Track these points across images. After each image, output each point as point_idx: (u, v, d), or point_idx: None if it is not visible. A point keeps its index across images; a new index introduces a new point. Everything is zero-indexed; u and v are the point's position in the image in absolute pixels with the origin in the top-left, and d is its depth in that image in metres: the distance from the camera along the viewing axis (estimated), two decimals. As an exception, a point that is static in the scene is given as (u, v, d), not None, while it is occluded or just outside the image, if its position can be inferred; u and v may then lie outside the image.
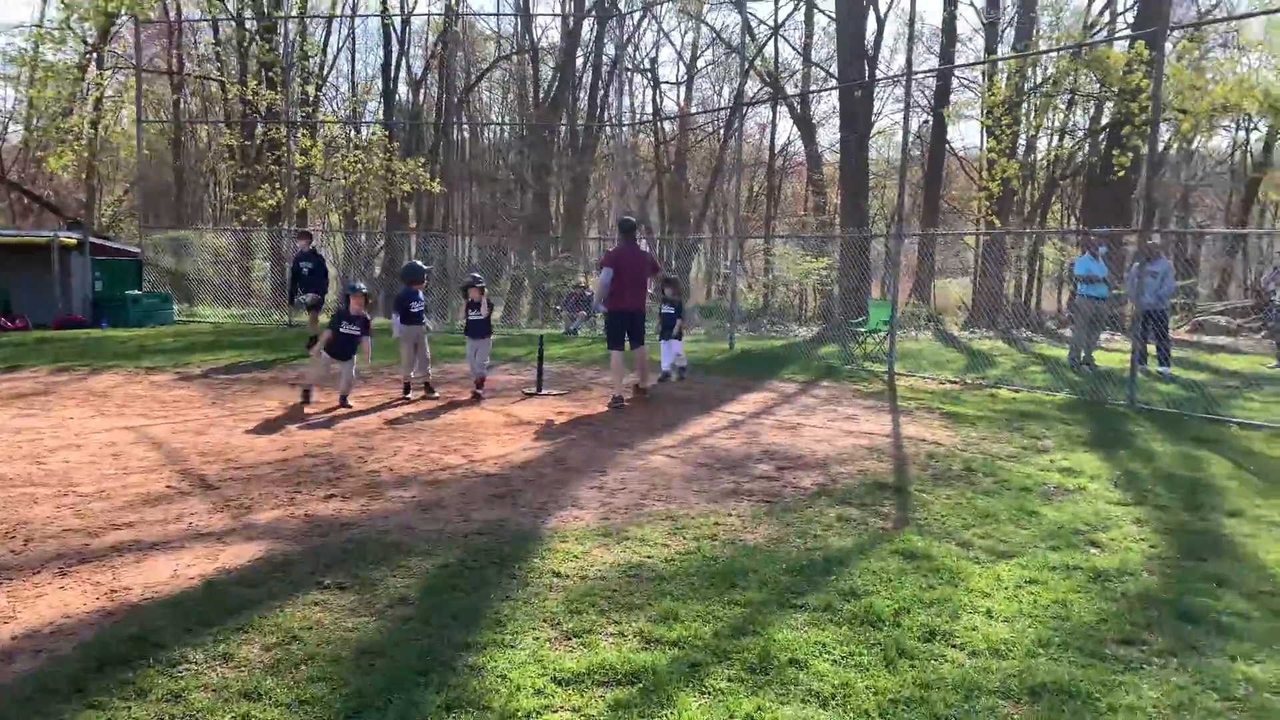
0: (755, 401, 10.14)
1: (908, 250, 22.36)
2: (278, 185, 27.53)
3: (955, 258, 35.07)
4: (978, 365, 13.51)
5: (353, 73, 41.10)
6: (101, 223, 33.43)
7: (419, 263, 10.97)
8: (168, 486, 6.01)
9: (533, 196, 35.22)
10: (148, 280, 20.78)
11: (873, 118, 31.13)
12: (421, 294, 10.23)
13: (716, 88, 41.66)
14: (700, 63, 40.12)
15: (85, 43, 28.75)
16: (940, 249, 30.60)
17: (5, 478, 6.11)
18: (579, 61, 33.78)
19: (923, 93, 31.65)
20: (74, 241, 18.72)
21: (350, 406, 9.14)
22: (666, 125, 35.86)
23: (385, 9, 34.39)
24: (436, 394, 10.00)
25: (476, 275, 10.54)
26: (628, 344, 9.88)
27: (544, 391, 10.48)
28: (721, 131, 38.12)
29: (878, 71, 30.98)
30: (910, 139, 22.95)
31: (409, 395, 9.86)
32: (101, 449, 7.07)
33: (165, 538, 4.90)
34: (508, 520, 5.32)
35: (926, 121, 33.17)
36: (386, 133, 34.45)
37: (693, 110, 37.98)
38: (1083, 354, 13.56)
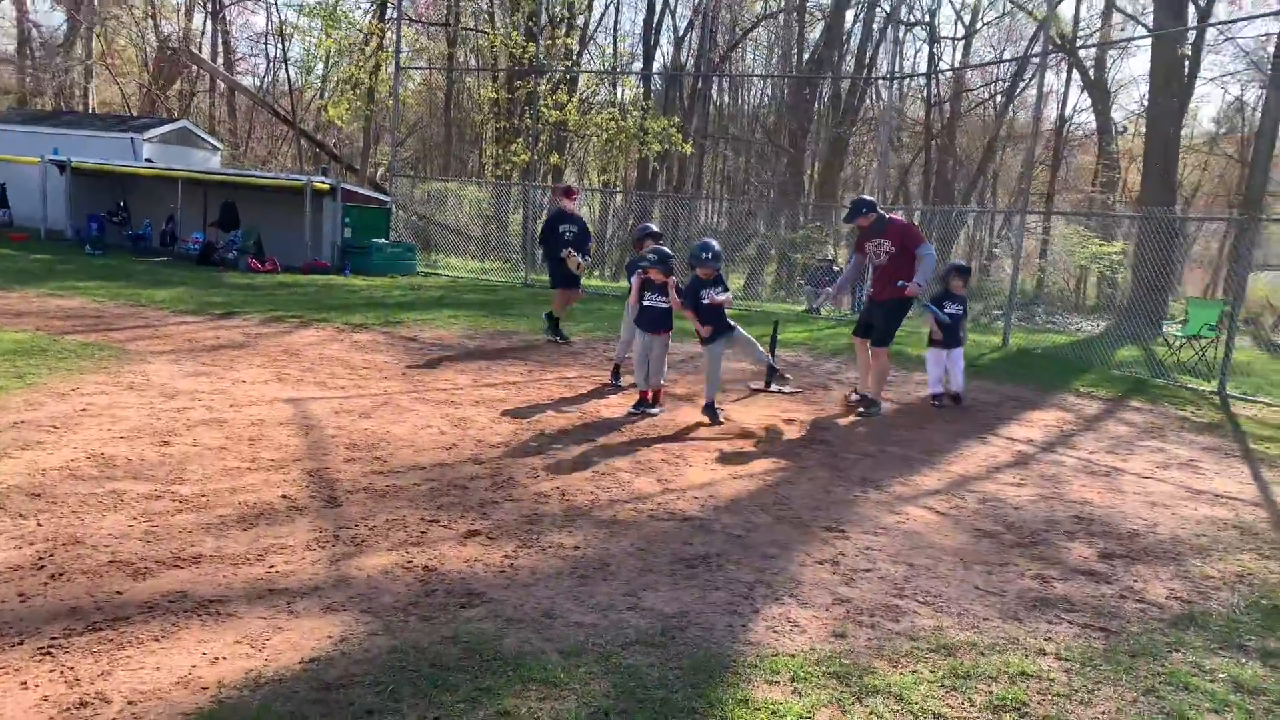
0: (1045, 425, 7.85)
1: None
2: (534, 139, 27.15)
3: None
4: (1344, 393, 10.33)
5: (615, 27, 40.32)
6: (373, 173, 34.77)
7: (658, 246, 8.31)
8: (282, 495, 4.78)
9: (787, 162, 33.10)
10: (394, 230, 20.77)
11: (1195, 80, 26.52)
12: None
13: (998, 50, 37.50)
14: (980, 23, 36.13)
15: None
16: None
17: (110, 461, 5.11)
18: (849, 17, 31.14)
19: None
20: (326, 187, 18.78)
21: (649, 408, 7.39)
22: (940, 81, 32.42)
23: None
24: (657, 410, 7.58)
25: (659, 249, 7.71)
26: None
27: (773, 388, 8.68)
28: (999, 99, 34.23)
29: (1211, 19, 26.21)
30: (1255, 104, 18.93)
31: (619, 382, 8.35)
32: (246, 428, 6.02)
33: (223, 593, 3.59)
34: (690, 618, 3.61)
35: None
36: (642, 89, 33.54)
37: (973, 63, 34.17)
38: None
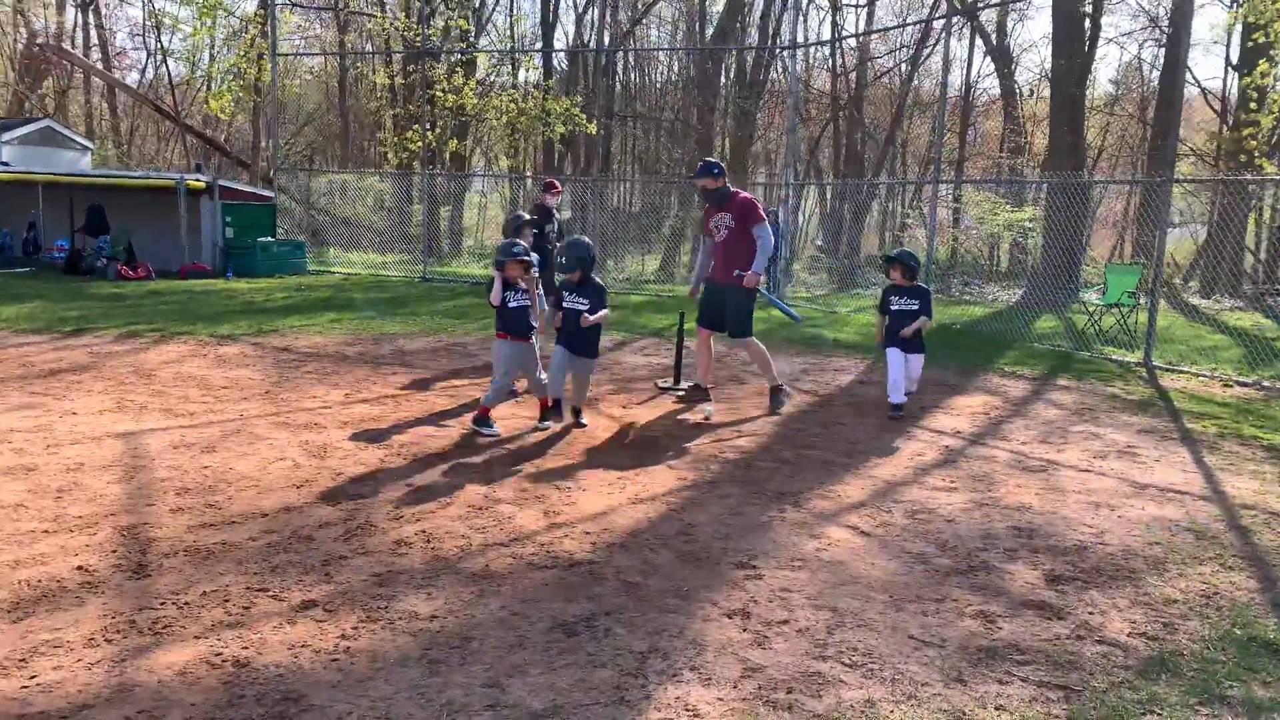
0: (972, 412, 7.32)
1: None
2: (430, 125, 25.98)
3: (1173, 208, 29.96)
4: (1261, 354, 10.08)
5: (512, 7, 39.03)
6: (265, 167, 33.02)
7: (523, 214, 8.17)
8: (78, 567, 3.90)
9: (696, 139, 32.43)
10: (282, 227, 19.53)
11: (1096, 42, 26.60)
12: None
13: (901, 17, 37.34)
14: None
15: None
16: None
17: None
18: (750, -14, 30.51)
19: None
20: (202, 184, 17.47)
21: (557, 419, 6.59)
22: (846, 50, 32.09)
23: (544, -64, 32.16)
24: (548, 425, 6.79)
25: (517, 242, 6.50)
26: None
27: (682, 386, 8.00)
28: (904, 66, 34.08)
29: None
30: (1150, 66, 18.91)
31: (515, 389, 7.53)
32: (57, 475, 5.09)
33: (-54, 730, 2.75)
34: (564, 714, 2.88)
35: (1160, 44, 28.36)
36: (542, 69, 32.51)
37: (877, 28, 33.90)
38: None
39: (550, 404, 6.57)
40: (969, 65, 29.88)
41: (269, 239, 18.20)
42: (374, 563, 4.05)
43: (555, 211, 9.81)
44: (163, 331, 9.92)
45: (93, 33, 37.82)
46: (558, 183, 10.10)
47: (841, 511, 4.85)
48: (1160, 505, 5.03)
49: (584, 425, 6.55)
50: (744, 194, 7.37)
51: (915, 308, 7.07)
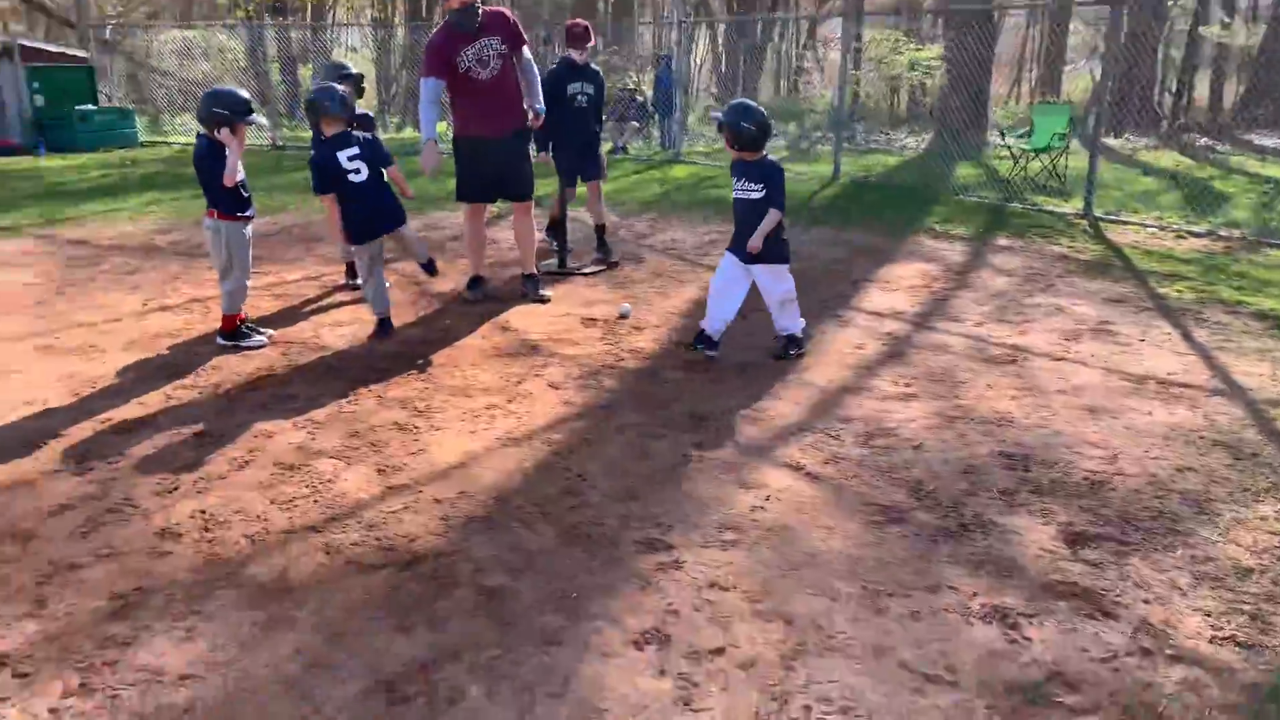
0: (911, 286, 6.23)
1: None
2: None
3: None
4: (1201, 199, 9.25)
5: None
6: (95, 29, 29.08)
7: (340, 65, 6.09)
8: None
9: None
10: (104, 93, 16.93)
11: None
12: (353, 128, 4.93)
13: None
14: None
15: None
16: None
17: None
18: None
19: None
20: (-3, 47, 14.82)
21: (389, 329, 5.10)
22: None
23: None
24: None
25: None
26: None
27: (568, 269, 6.70)
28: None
29: None
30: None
31: (355, 281, 6.08)
32: None
33: None
34: None
35: None
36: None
37: None
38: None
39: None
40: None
41: (89, 107, 15.73)
42: (118, 574, 2.75)
43: (585, 67, 6.64)
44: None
45: None
46: (588, 28, 6.64)
47: (776, 441, 3.71)
48: (1169, 407, 4.03)
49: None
50: (496, 8, 5.47)
51: (757, 194, 4.51)
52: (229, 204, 4.68)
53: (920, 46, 22.21)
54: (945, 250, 7.31)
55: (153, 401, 4.12)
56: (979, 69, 12.45)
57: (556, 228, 6.80)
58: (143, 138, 16.19)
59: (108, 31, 19.95)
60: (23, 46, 15.41)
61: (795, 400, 4.14)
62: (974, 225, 8.24)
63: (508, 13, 5.50)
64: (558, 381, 4.39)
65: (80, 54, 16.90)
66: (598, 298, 6.00)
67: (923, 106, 23.65)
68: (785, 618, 2.52)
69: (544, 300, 5.83)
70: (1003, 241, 7.60)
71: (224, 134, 4.58)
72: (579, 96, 6.57)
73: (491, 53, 5.33)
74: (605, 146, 15.88)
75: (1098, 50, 24.08)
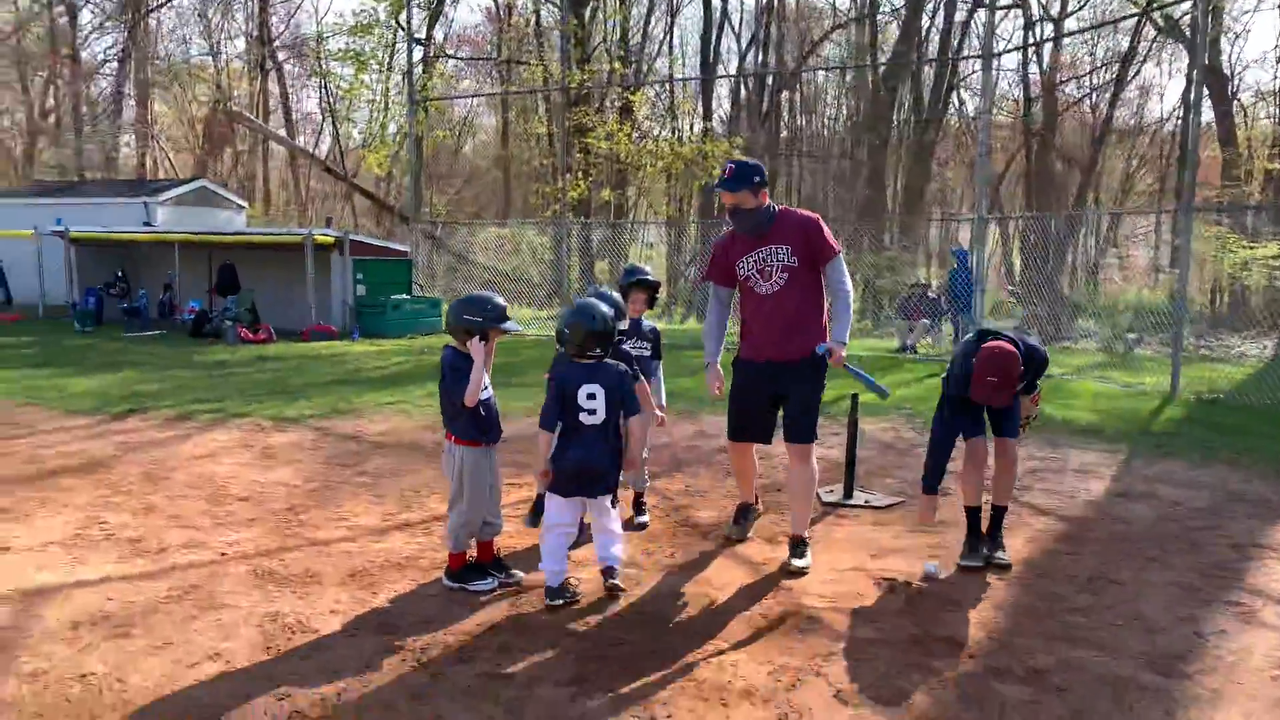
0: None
1: None
2: (581, 173, 24.64)
3: None
4: None
5: (670, 50, 37.48)
6: (429, 227, 32.49)
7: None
8: None
9: (867, 176, 29.72)
10: (417, 284, 18.24)
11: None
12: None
13: (1091, 44, 33.21)
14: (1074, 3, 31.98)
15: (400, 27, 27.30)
16: None
17: None
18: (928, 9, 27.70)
19: None
20: (330, 240, 16.37)
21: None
22: (1034, 74, 28.74)
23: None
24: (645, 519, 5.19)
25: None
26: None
27: (854, 498, 5.61)
28: (1104, 91, 30.23)
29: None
30: None
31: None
32: None
33: None
34: None
35: None
36: (700, 110, 30.76)
37: (1081, 27, 30.06)
38: None
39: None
40: (1197, 86, 25.36)
41: (404, 296, 16.94)
42: None
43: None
44: (221, 412, 8.32)
45: (266, 98, 38.81)
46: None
47: None
48: None
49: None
50: (802, 211, 4.71)
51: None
52: (466, 427, 4.10)
53: (1253, 245, 19.65)
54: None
55: (346, 666, 3.42)
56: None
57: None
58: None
59: (438, 229, 21.94)
60: (351, 241, 16.95)
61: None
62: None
63: (810, 217, 4.58)
64: (845, 689, 3.26)
65: (401, 247, 18.42)
66: (891, 544, 4.85)
67: (1244, 308, 20.98)
68: None
69: (800, 573, 4.40)
70: None
71: (474, 344, 4.05)
72: None
73: (776, 263, 4.50)
74: (893, 344, 14.90)
75: None
